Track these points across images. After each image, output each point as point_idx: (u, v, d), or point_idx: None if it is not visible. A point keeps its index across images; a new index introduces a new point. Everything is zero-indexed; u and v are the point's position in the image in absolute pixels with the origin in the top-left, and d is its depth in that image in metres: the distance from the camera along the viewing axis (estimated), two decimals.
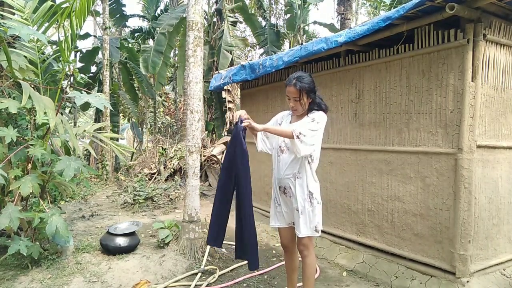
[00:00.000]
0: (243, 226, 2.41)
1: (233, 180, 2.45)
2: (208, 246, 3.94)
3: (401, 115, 3.38)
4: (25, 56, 3.45)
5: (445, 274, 2.99)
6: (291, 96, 2.48)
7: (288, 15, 12.45)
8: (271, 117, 2.82)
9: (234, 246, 4.37)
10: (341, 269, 3.67)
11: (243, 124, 2.40)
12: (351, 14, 10.73)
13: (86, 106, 10.75)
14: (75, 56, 11.07)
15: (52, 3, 3.39)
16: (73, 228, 4.87)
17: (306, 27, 13.28)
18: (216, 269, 3.54)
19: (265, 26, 11.68)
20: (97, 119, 11.63)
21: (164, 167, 9.00)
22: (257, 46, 12.49)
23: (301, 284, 2.79)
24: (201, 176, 8.87)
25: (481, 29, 2.84)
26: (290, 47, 11.51)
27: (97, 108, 10.71)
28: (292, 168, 2.51)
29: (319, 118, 2.47)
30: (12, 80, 3.41)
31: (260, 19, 12.49)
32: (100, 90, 10.78)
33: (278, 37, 11.31)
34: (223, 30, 10.32)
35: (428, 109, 3.14)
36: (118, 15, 12.21)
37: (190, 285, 3.23)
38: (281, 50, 11.80)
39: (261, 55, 11.65)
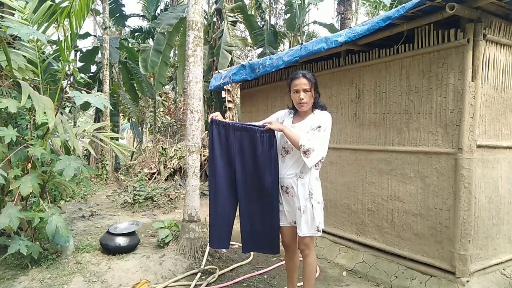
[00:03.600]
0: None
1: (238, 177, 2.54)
2: (208, 246, 3.94)
3: (401, 115, 3.38)
4: (24, 56, 3.45)
5: (445, 274, 2.99)
6: (301, 88, 2.44)
7: (288, 15, 12.45)
8: None
9: (234, 246, 4.36)
10: (341, 269, 3.67)
11: (266, 127, 2.46)
12: (351, 14, 10.75)
13: (86, 105, 10.76)
14: (75, 55, 11.08)
15: (51, 2, 3.38)
16: (73, 228, 4.87)
17: (306, 27, 13.28)
18: (216, 269, 3.54)
19: (263, 27, 11.67)
20: (97, 119, 11.64)
21: (164, 167, 9.00)
22: (256, 46, 12.48)
23: (301, 283, 2.78)
24: (201, 176, 8.86)
25: (481, 29, 2.84)
26: (290, 47, 11.51)
27: (97, 108, 10.72)
28: (295, 168, 2.50)
29: (326, 124, 2.43)
30: (11, 79, 3.41)
31: (258, 19, 12.48)
32: (100, 90, 10.78)
33: (276, 38, 11.29)
34: (223, 29, 10.31)
35: (428, 109, 3.14)
36: (117, 15, 12.22)
37: (190, 285, 3.22)
38: (279, 50, 11.80)
39: (259, 55, 11.63)
